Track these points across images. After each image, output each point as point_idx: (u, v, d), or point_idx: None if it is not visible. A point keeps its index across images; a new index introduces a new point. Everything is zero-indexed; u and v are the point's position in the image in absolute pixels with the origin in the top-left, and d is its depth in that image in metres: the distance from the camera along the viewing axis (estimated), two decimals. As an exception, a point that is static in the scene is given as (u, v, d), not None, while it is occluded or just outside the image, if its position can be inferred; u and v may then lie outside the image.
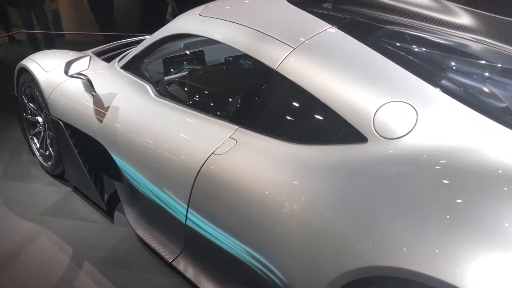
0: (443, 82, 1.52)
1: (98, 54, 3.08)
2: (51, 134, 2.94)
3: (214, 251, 1.83)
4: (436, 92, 1.43)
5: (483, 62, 1.69)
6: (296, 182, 1.51)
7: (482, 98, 1.50)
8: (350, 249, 1.26)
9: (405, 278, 1.13)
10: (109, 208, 2.69)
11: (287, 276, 1.49)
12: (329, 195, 1.40)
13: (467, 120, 1.34)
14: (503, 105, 1.47)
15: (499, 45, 1.73)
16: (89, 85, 2.47)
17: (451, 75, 1.61)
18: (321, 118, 1.62)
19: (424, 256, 1.10)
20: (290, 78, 1.69)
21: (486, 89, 1.57)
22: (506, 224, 1.06)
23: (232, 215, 1.70)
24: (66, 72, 2.48)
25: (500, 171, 1.18)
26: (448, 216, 1.14)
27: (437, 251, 1.09)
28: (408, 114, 1.41)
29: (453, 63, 1.69)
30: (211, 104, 2.27)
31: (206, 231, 1.84)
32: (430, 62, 1.66)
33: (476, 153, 1.26)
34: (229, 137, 1.80)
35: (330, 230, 1.34)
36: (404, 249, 1.14)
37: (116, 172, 2.41)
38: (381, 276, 1.18)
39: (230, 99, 2.15)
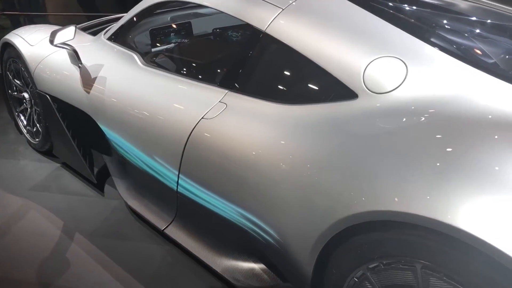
0: (432, 37, 1.52)
1: (83, 29, 3.03)
2: (38, 109, 2.90)
3: (206, 216, 1.83)
4: (425, 46, 1.43)
5: (471, 18, 1.69)
6: (286, 142, 1.51)
7: (471, 52, 1.51)
8: (339, 199, 1.26)
9: (396, 221, 1.13)
10: (99, 182, 2.68)
11: (280, 234, 1.49)
12: (320, 151, 1.40)
13: (456, 71, 1.34)
14: (491, 59, 1.48)
15: (486, 2, 1.73)
16: (75, 56, 2.43)
17: (440, 31, 1.61)
18: (311, 77, 1.61)
19: (415, 199, 1.10)
20: (279, 39, 1.67)
21: (474, 44, 1.57)
22: (497, 168, 1.07)
23: (223, 178, 1.70)
24: (51, 42, 2.43)
25: (490, 117, 1.18)
26: (438, 164, 1.14)
27: (427, 194, 1.09)
28: (397, 68, 1.41)
29: (441, 20, 1.69)
30: (200, 71, 2.25)
31: (197, 196, 1.84)
32: (419, 19, 1.65)
33: (465, 101, 1.26)
34: (219, 101, 1.79)
35: (320, 184, 1.35)
36: (394, 194, 1.15)
37: (105, 144, 2.39)
38: (370, 222, 1.19)
39: (218, 65, 2.13)
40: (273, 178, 1.50)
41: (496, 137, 1.14)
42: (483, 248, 0.97)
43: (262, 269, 1.77)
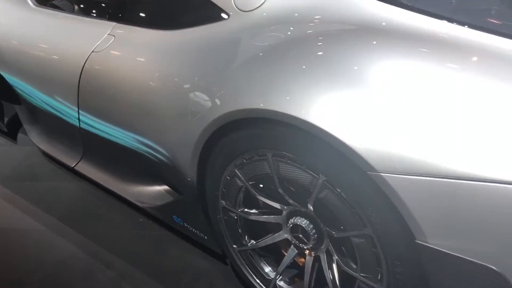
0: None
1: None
2: None
3: (109, 148, 1.92)
4: None
5: None
6: (168, 66, 1.60)
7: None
8: (206, 105, 1.39)
9: (262, 118, 1.26)
10: (12, 130, 2.68)
11: (168, 150, 1.62)
12: (196, 69, 1.51)
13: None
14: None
15: None
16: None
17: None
18: (186, 1, 1.69)
19: (279, 98, 1.23)
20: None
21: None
22: (355, 68, 1.19)
23: (117, 108, 1.78)
24: None
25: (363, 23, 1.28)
26: (304, 66, 1.25)
27: (290, 93, 1.21)
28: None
29: None
30: (90, 7, 2.25)
31: (98, 129, 1.92)
32: None
33: (336, 8, 1.35)
34: (108, 33, 1.84)
35: (191, 95, 1.47)
36: (255, 94, 1.27)
37: (11, 92, 2.39)
38: (232, 122, 1.32)
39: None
40: (158, 101, 1.60)
41: (360, 41, 1.24)
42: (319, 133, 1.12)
43: (164, 189, 1.91)
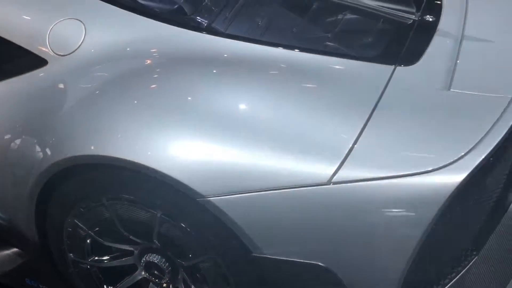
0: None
1: None
2: None
3: None
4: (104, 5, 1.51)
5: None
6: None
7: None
8: (38, 155, 1.32)
9: (91, 164, 1.23)
10: None
11: (2, 208, 1.50)
12: (20, 120, 1.43)
13: (128, 22, 1.46)
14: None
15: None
16: None
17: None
18: (1, 52, 1.60)
19: (105, 141, 1.21)
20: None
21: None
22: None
23: None
24: None
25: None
26: (135, 102, 1.26)
27: (115, 134, 1.20)
28: (76, 28, 1.48)
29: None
30: None
31: None
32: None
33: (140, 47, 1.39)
34: None
35: (22, 147, 1.38)
36: (86, 138, 1.24)
37: None
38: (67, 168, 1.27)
39: None
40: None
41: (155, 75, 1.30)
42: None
43: (12, 252, 1.76)
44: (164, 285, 1.40)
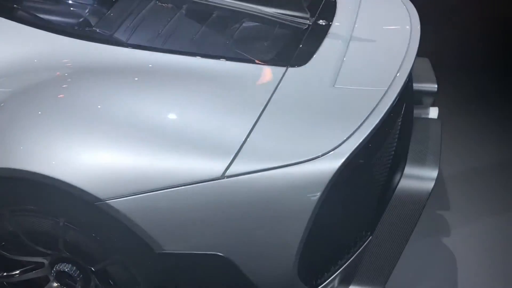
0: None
1: None
2: None
3: None
4: None
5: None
6: None
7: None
8: None
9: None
10: None
11: None
12: None
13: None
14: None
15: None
16: None
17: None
18: None
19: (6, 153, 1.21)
20: None
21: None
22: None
23: None
24: None
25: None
26: (39, 112, 1.26)
27: (16, 146, 1.20)
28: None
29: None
30: None
31: None
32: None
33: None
34: None
35: None
36: None
37: None
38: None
39: None
40: None
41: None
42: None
43: None
44: (77, 293, 1.41)
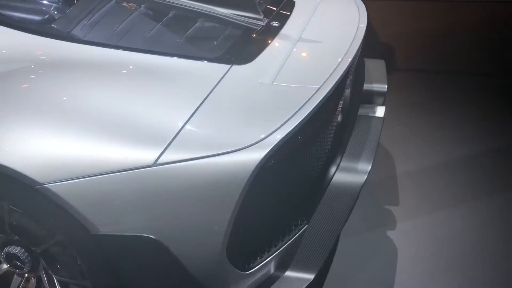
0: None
1: None
2: None
3: None
4: None
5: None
6: None
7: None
8: None
9: None
10: None
11: None
12: None
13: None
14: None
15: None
16: None
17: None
18: None
19: None
20: None
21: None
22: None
23: None
24: None
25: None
26: None
27: None
28: None
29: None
30: None
31: None
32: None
33: None
34: None
35: None
36: None
37: None
38: None
39: None
40: None
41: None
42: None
43: None
44: (26, 275, 1.49)
